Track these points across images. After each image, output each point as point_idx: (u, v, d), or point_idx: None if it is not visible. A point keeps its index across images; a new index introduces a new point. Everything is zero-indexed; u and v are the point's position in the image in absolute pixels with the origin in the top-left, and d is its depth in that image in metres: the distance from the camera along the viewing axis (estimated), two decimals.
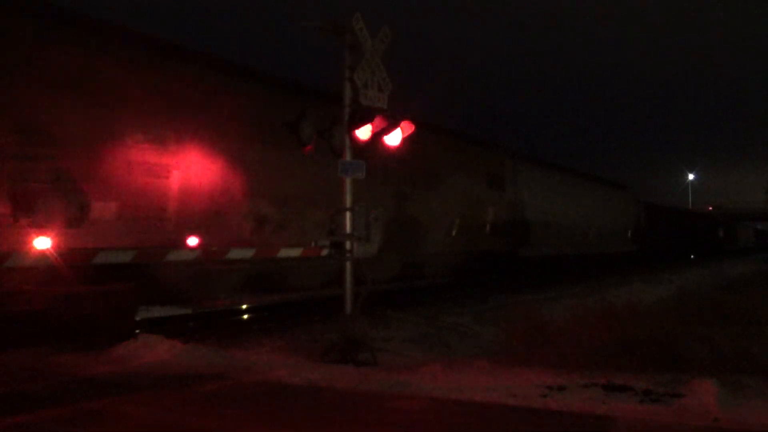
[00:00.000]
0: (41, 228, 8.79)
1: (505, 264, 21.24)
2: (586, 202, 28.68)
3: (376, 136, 8.72)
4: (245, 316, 13.84)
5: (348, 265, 8.57)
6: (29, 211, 8.70)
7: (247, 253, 11.87)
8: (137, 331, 9.60)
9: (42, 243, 8.78)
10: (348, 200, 8.62)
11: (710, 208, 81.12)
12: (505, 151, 21.88)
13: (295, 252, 12.63)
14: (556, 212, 25.10)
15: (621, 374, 7.00)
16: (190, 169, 10.89)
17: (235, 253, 11.62)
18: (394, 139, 8.85)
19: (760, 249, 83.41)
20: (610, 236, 31.67)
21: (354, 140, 8.63)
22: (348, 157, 8.62)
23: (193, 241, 10.82)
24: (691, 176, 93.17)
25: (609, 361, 7.47)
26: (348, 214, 8.56)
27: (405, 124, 8.85)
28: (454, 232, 18.24)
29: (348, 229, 8.52)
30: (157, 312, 12.41)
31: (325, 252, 9.00)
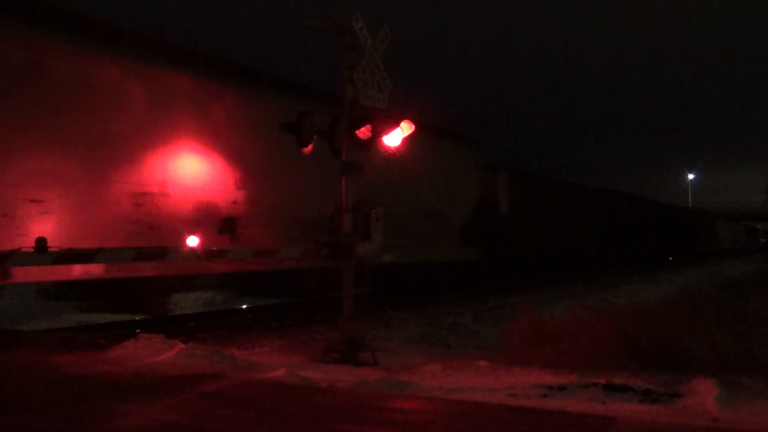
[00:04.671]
0: None
1: None
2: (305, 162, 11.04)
3: (376, 135, 8.72)
4: (245, 317, 13.82)
5: (348, 265, 8.57)
6: None
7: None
8: (137, 330, 9.59)
9: None
10: (348, 200, 8.61)
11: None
12: None
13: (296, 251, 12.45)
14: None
15: (621, 374, 6.99)
16: None
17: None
18: (394, 138, 8.84)
19: (752, 251, 68.77)
20: (413, 232, 16.37)
21: (354, 140, 8.62)
22: (348, 157, 8.62)
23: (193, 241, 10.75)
24: (691, 176, 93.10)
25: (609, 360, 7.47)
26: (349, 214, 8.56)
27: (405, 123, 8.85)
28: None
29: (349, 228, 8.52)
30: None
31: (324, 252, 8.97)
